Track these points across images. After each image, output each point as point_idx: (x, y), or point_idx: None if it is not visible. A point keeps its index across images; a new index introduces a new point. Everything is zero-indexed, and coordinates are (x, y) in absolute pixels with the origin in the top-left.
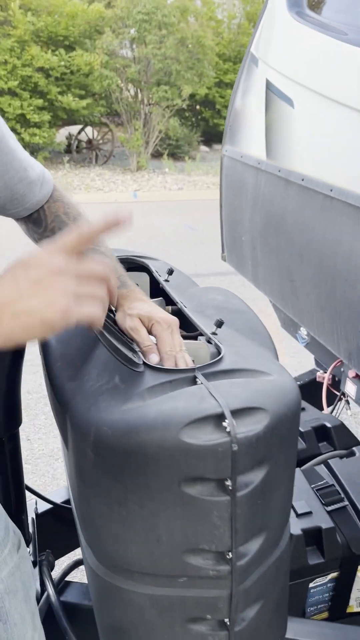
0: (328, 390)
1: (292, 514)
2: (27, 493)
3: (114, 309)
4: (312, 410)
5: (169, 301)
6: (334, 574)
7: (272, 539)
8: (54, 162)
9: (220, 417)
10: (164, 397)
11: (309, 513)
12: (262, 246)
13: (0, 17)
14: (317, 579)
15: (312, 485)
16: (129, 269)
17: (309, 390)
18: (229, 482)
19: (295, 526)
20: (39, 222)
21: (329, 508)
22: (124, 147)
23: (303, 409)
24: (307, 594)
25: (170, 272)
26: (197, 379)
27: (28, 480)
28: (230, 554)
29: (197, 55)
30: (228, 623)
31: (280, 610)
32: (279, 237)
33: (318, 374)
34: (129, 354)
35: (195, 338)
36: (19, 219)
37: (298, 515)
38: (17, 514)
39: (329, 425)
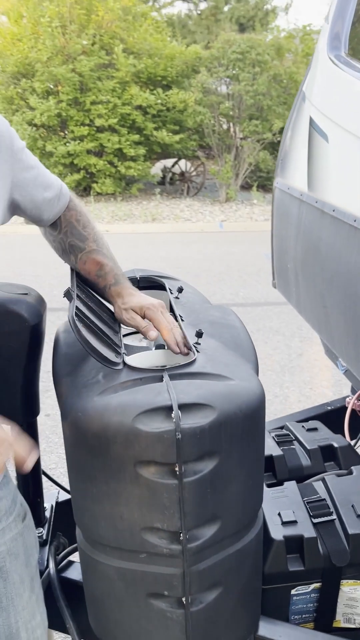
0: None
1: (278, 520)
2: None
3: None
4: (324, 431)
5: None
6: (316, 585)
7: (229, 530)
8: (148, 193)
9: (170, 409)
10: (129, 390)
11: (293, 522)
12: (303, 274)
13: (105, 60)
14: (299, 587)
15: (304, 499)
16: (151, 287)
17: (339, 415)
18: (177, 468)
19: (278, 532)
20: (55, 226)
21: (316, 520)
22: (215, 179)
23: (315, 429)
24: (290, 601)
25: (180, 290)
26: (164, 378)
27: None
28: (181, 535)
29: (290, 91)
30: (184, 602)
31: (250, 606)
32: (315, 265)
33: (347, 399)
34: (108, 354)
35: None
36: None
37: (283, 523)
38: (34, 496)
39: (336, 445)
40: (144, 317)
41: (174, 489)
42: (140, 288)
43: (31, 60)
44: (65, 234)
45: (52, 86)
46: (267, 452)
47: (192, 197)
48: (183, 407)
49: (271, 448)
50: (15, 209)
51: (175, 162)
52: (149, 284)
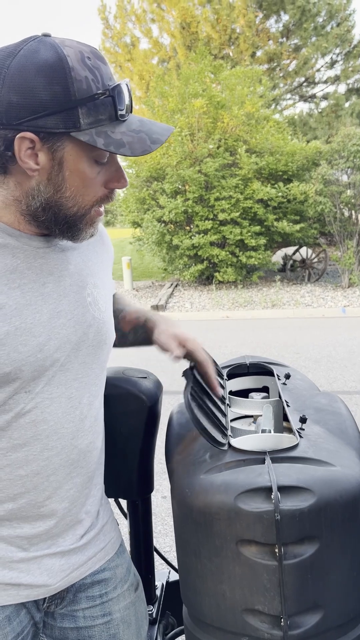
0: None
1: None
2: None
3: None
4: None
5: None
6: None
7: (333, 621)
8: (268, 280)
9: (270, 490)
10: (233, 470)
11: None
12: None
13: (229, 160)
14: None
15: None
16: (260, 373)
17: None
18: (277, 549)
19: None
20: None
21: None
22: (337, 265)
23: None
24: None
25: (288, 376)
26: (265, 460)
27: None
28: (282, 620)
29: None
30: None
31: None
32: None
33: None
34: (217, 435)
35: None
36: None
37: None
38: (145, 572)
39: None
40: (183, 347)
41: (274, 571)
42: (250, 373)
43: (162, 165)
44: None
45: (180, 186)
46: None
47: (313, 283)
48: (282, 489)
49: None
50: None
51: (296, 250)
52: (258, 369)
